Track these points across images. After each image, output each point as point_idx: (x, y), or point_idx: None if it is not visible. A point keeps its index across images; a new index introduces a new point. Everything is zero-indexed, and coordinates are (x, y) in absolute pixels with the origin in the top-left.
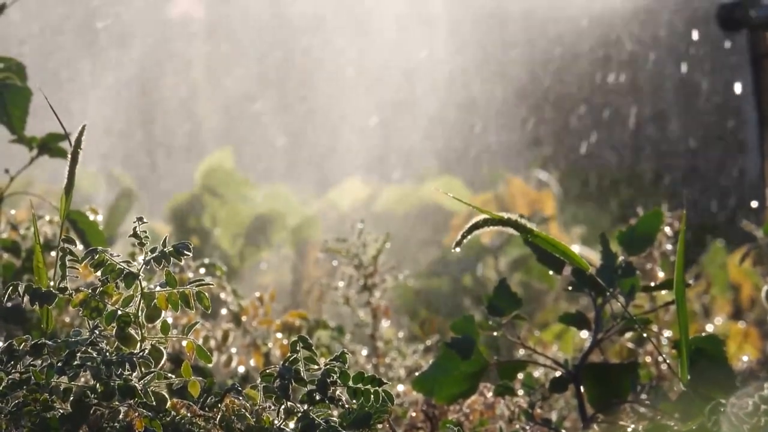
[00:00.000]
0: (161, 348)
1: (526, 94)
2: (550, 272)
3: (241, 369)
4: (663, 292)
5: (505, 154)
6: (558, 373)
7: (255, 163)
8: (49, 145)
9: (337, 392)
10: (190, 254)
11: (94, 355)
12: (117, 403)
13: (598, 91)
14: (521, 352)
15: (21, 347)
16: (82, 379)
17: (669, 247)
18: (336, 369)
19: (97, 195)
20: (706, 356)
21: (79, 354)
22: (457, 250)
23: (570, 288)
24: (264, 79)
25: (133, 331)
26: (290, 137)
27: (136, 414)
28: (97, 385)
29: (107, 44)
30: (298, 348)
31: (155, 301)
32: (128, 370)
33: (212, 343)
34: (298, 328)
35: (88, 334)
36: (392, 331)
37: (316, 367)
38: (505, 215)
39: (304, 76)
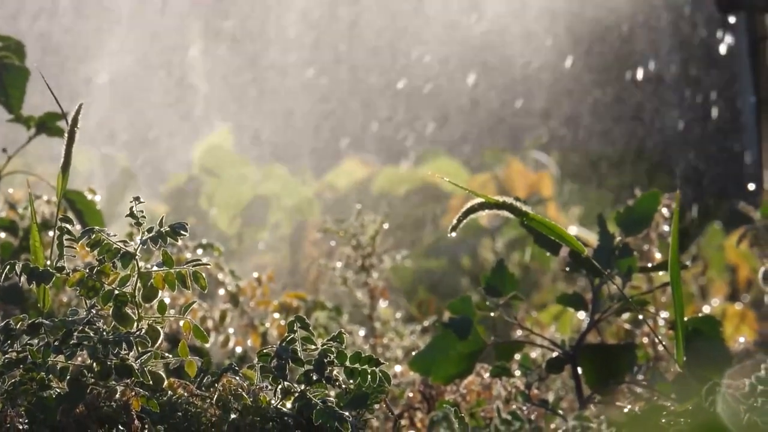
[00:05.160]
0: (158, 328)
1: (525, 76)
2: (548, 254)
3: (239, 349)
4: (660, 273)
5: (504, 136)
6: (555, 354)
7: (252, 144)
8: (46, 125)
9: (335, 372)
10: (187, 234)
11: (91, 334)
12: (114, 382)
13: (597, 73)
14: (518, 332)
15: (18, 326)
16: (79, 359)
17: (666, 228)
18: (333, 349)
19: (95, 175)
20: (703, 337)
21: (76, 333)
22: (454, 234)
23: (567, 269)
24: (262, 58)
25: (129, 311)
26: (288, 118)
27: (133, 393)
28: (94, 364)
29: (108, 24)
30: (295, 328)
31: (152, 280)
32: (125, 350)
33: (209, 323)
34: (296, 309)
35: (85, 313)
36: (390, 311)
37: (313, 347)
38: (501, 198)
39: (302, 56)
